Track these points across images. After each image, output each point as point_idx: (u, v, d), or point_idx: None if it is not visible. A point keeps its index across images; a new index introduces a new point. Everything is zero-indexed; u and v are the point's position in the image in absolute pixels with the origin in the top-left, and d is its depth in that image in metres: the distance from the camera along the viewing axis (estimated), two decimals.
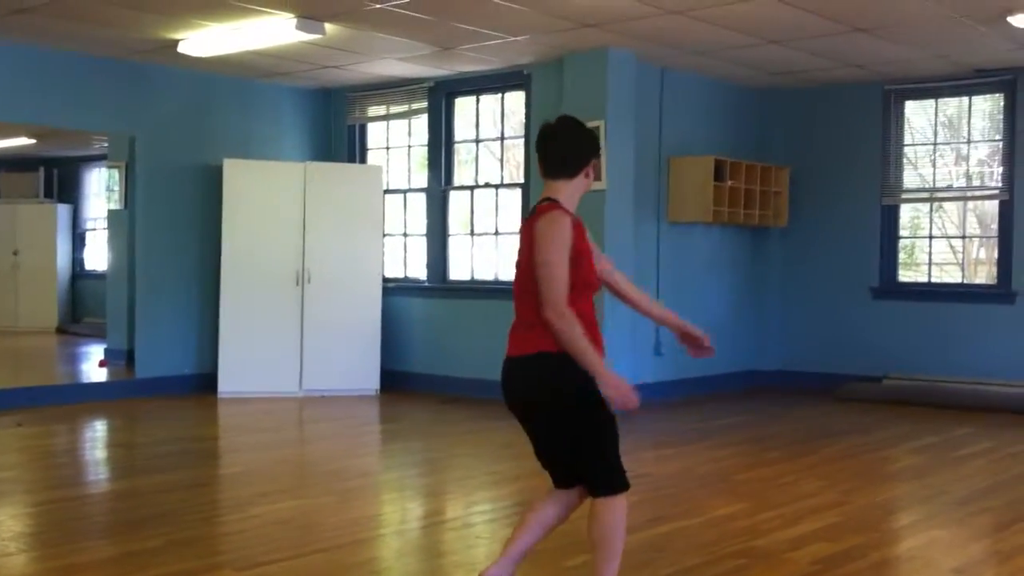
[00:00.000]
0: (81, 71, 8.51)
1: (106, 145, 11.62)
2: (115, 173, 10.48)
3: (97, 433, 7.96)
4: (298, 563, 4.29)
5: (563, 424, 3.34)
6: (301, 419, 8.35)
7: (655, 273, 9.05)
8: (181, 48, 7.99)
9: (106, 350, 10.56)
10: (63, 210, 14.46)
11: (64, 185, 14.75)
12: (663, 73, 8.95)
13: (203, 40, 7.83)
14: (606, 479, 3.34)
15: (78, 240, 14.71)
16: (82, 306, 14.39)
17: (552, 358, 3.26)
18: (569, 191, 3.37)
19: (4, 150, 13.55)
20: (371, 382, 9.23)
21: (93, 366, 10.75)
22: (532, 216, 3.34)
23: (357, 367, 9.19)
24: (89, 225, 14.63)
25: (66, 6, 7.05)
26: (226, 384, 8.91)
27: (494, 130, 9.49)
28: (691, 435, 7.48)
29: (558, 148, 3.38)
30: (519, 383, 3.36)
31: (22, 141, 12.71)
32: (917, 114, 9.64)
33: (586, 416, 3.33)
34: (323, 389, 9.07)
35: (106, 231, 11.28)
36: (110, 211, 10.59)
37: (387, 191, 9.72)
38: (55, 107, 8.50)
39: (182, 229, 9.17)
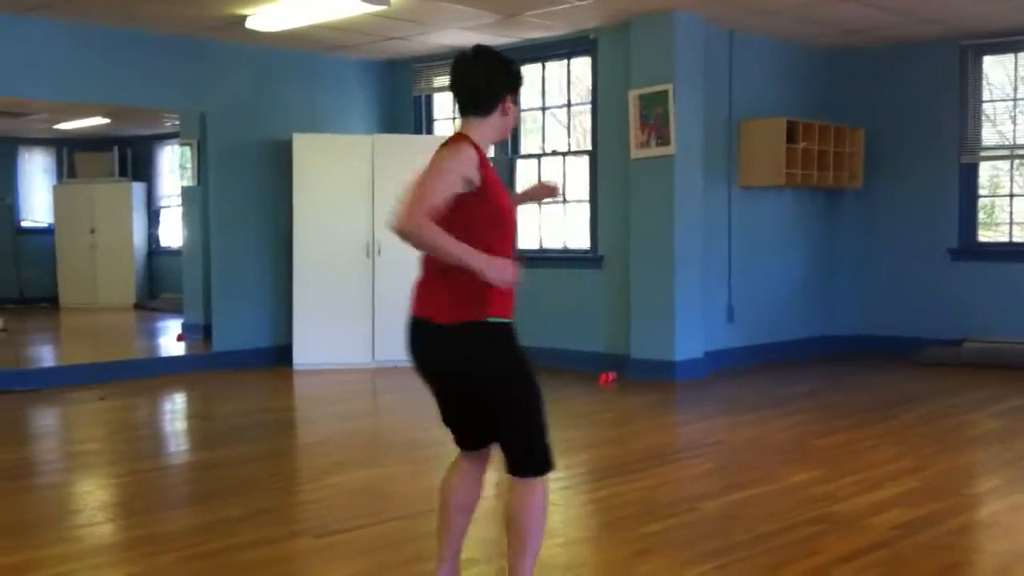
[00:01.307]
0: (152, 49, 8.62)
1: (178, 123, 11.80)
2: (187, 151, 10.63)
3: (176, 406, 8.13)
4: (375, 530, 4.34)
5: (496, 394, 3.07)
6: (374, 390, 8.44)
7: (727, 238, 8.95)
8: (249, 24, 8.05)
9: (183, 325, 10.77)
10: (138, 188, 14.73)
11: (138, 163, 15.02)
12: (731, 35, 8.81)
13: (270, 15, 7.88)
14: (535, 458, 3.10)
15: (153, 217, 14.98)
16: (158, 282, 14.67)
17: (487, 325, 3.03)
18: (482, 131, 3.06)
19: (79, 130, 13.83)
20: None
21: (171, 341, 10.97)
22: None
23: None
24: (163, 203, 14.88)
25: None
26: (300, 356, 9.03)
27: (560, 97, 9.43)
28: (765, 402, 7.40)
29: (469, 83, 3.06)
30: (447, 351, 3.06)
31: (96, 121, 12.97)
32: (995, 69, 9.35)
33: (518, 387, 3.08)
34: (395, 360, 9.12)
35: (180, 208, 11.47)
36: (184, 188, 10.76)
37: None
38: (127, 86, 8.63)
39: (254, 204, 9.28)
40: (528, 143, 9.66)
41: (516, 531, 3.13)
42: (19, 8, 7.72)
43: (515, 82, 3.11)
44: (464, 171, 2.92)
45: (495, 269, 2.89)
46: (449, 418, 3.27)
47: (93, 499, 5.12)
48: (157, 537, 4.31)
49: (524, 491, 3.11)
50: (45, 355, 10.80)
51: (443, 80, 9.95)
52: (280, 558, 4.05)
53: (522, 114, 9.55)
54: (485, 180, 2.96)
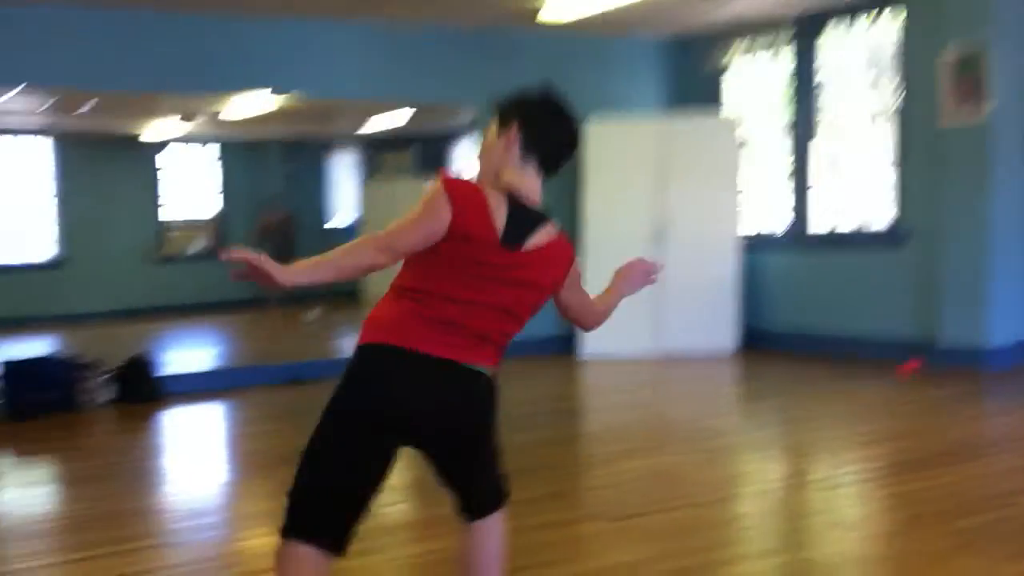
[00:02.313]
0: (447, 45, 8.94)
1: (470, 119, 12.19)
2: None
3: None
4: (668, 516, 4.30)
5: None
6: (660, 379, 8.37)
7: None
8: (541, 16, 8.18)
9: None
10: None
11: (434, 160, 15.71)
12: None
13: (563, 4, 7.97)
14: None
15: None
16: None
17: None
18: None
19: (381, 131, 14.63)
20: (729, 341, 9.08)
21: None
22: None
23: (715, 326, 9.07)
24: None
25: None
26: (586, 345, 9.10)
27: (864, 65, 8.85)
28: None
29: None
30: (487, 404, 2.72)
31: (397, 119, 13.65)
32: None
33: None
34: (681, 349, 9.04)
35: None
36: None
37: (742, 143, 9.45)
38: (426, 84, 9.02)
39: (551, 192, 9.39)
40: (827, 116, 9.15)
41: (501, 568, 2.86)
42: (327, 12, 8.23)
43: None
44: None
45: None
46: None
47: (392, 480, 5.36)
48: (452, 517, 4.45)
49: (502, 522, 2.86)
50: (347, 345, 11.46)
51: (736, 55, 9.65)
52: (575, 539, 4.11)
53: (819, 85, 9.07)
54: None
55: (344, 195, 16.63)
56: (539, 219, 2.67)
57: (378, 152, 16.05)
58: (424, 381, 2.54)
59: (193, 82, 8.51)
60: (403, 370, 2.52)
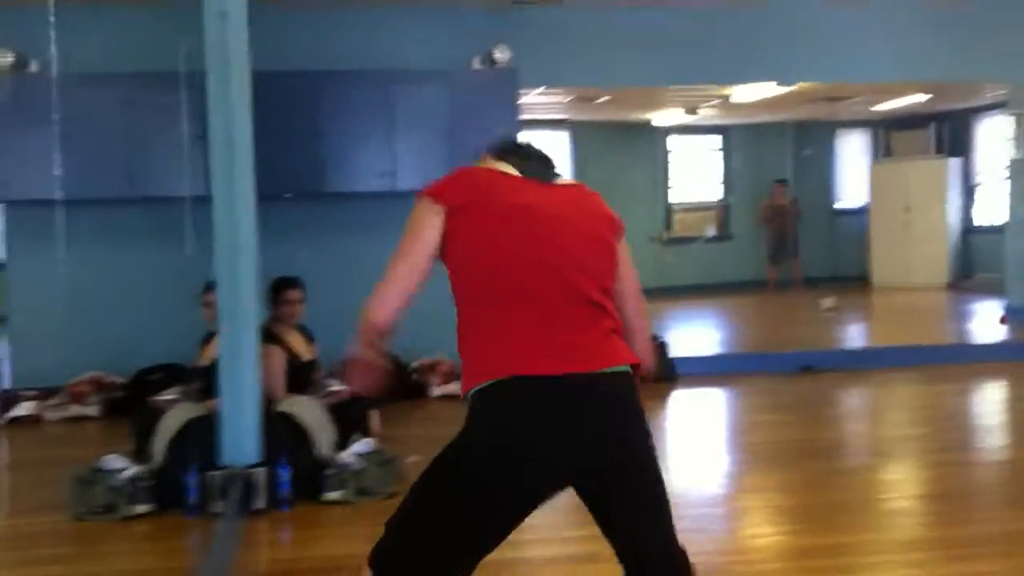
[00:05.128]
0: (981, 21, 8.23)
1: (1001, 94, 11.11)
2: (1014, 121, 10.00)
3: (1001, 395, 7.64)
4: None
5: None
6: None
7: None
8: None
9: (1006, 307, 10.15)
10: (953, 164, 14.28)
11: (954, 139, 14.58)
12: None
13: None
14: None
15: (968, 194, 14.43)
16: (973, 262, 14.08)
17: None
18: None
19: (895, 110, 13.83)
20: None
21: (987, 324, 10.40)
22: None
23: None
24: (979, 178, 14.25)
25: None
26: None
27: None
28: None
29: None
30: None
31: (914, 99, 12.82)
32: None
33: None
34: None
35: (1003, 183, 10.85)
36: (1012, 161, 10.13)
37: None
38: (952, 61, 8.36)
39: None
40: None
41: None
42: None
43: None
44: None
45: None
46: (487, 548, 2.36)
47: (906, 488, 5.01)
48: (983, 538, 4.05)
49: None
50: (858, 335, 10.98)
51: None
52: None
53: None
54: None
55: (853, 176, 15.96)
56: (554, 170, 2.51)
57: (891, 131, 15.20)
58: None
59: (699, 76, 8.56)
60: None
